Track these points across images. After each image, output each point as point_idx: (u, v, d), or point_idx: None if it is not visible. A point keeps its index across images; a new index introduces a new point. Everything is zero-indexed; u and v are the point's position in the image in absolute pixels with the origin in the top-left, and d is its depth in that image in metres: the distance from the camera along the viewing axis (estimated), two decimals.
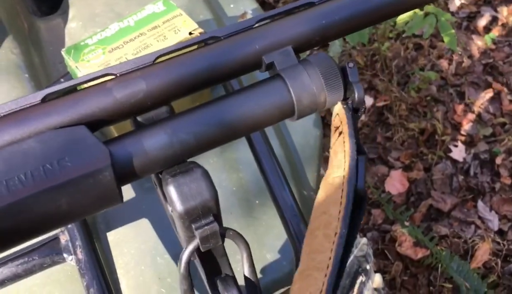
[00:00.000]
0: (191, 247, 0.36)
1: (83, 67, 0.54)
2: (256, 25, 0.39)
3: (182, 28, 0.57)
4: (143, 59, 0.36)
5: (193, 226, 0.35)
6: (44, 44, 0.69)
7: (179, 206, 0.34)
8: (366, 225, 1.61)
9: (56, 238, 0.51)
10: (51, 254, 0.50)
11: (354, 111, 0.39)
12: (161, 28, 0.58)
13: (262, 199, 0.62)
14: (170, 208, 0.35)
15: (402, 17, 1.09)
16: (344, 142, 0.39)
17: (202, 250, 0.36)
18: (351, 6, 0.39)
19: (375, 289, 0.91)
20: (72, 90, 0.35)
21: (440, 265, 1.43)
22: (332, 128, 0.41)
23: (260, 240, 0.60)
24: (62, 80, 0.63)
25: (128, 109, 0.34)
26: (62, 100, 0.34)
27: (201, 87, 0.37)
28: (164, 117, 0.37)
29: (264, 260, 0.58)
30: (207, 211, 0.35)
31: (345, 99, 0.39)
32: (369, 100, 1.81)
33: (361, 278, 0.86)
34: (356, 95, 0.38)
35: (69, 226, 0.53)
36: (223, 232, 0.36)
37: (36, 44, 0.70)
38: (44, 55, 0.69)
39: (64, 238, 0.51)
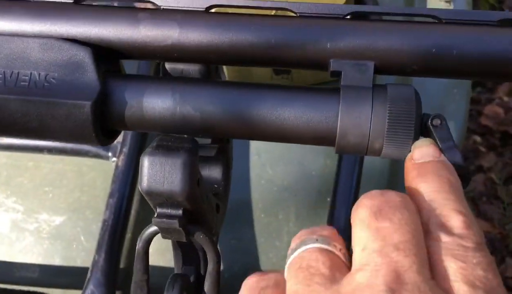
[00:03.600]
0: (151, 230, 0.32)
1: None
2: (348, 17, 0.29)
3: None
4: (195, 1, 0.29)
5: (156, 210, 0.31)
6: None
7: (143, 183, 0.30)
8: None
9: None
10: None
11: None
12: None
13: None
14: None
15: None
16: None
17: (162, 238, 0.32)
18: (487, 46, 0.28)
19: None
20: (107, 5, 0.31)
21: None
22: None
23: None
24: None
25: (149, 51, 0.30)
26: (87, 10, 0.30)
27: (244, 62, 0.30)
28: (184, 78, 0.31)
29: None
30: (175, 203, 0.30)
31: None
32: None
33: None
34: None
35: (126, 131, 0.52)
36: (192, 231, 0.32)
37: None
38: None
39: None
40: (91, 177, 0.60)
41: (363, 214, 0.24)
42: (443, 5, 0.70)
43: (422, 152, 0.27)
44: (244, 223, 0.60)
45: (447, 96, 0.67)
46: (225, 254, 0.60)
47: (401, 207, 0.24)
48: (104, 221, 0.51)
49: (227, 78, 0.60)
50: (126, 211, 0.52)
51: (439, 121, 0.29)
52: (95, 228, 0.58)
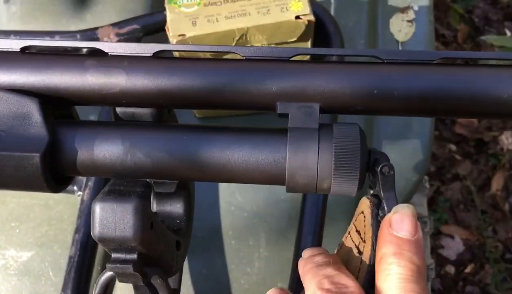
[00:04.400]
0: (107, 275, 0.32)
1: (171, 10, 0.51)
2: (292, 58, 0.30)
3: (291, 8, 0.50)
4: (142, 47, 0.30)
5: (112, 255, 0.31)
6: None
7: (95, 230, 0.30)
8: None
9: None
10: None
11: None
12: (269, 0, 0.51)
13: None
14: None
15: None
16: (360, 262, 0.29)
17: (119, 281, 0.32)
18: (427, 85, 0.28)
19: None
20: (54, 50, 0.31)
21: None
22: (352, 227, 0.31)
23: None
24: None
25: (98, 98, 0.30)
26: (34, 59, 0.30)
27: (193, 106, 0.31)
28: (135, 123, 0.32)
29: None
30: (129, 248, 0.30)
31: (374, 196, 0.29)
32: None
33: None
34: (385, 210, 0.28)
35: None
36: (148, 274, 0.32)
37: None
38: None
39: None
40: (58, 210, 0.60)
41: None
42: (405, 26, 0.71)
43: (401, 224, 0.28)
44: (215, 251, 0.60)
45: None
46: (197, 282, 0.60)
47: None
48: (70, 258, 0.51)
49: None
50: (92, 246, 0.52)
51: (387, 170, 0.29)
52: (64, 262, 0.57)
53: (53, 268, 0.58)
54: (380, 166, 0.29)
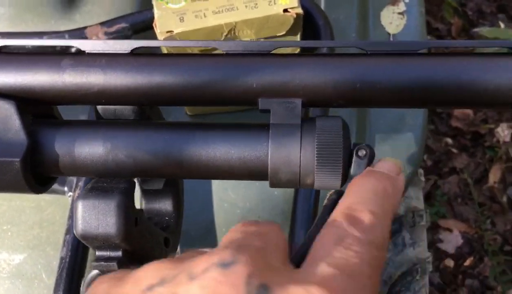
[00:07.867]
0: (93, 274, 0.31)
1: (158, 7, 0.51)
2: (272, 51, 0.29)
3: (279, 1, 0.50)
4: (119, 44, 0.29)
5: (96, 253, 0.30)
6: None
7: (78, 228, 0.29)
8: None
9: None
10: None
11: None
12: None
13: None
14: None
15: None
16: None
17: None
18: (411, 76, 0.28)
19: None
20: (29, 51, 0.30)
21: None
22: None
23: None
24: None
25: (76, 98, 0.29)
26: (9, 60, 0.30)
27: (174, 103, 0.30)
28: (116, 122, 0.31)
29: None
30: (113, 245, 0.30)
31: None
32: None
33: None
34: None
35: None
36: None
37: None
38: None
39: None
40: (49, 212, 0.59)
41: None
42: (396, 18, 0.71)
43: (382, 164, 0.28)
44: (209, 248, 0.60)
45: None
46: None
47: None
48: (62, 259, 0.50)
49: None
50: (84, 247, 0.52)
51: (364, 152, 0.29)
52: (56, 264, 0.57)
53: (46, 270, 0.58)
54: (356, 149, 0.29)
